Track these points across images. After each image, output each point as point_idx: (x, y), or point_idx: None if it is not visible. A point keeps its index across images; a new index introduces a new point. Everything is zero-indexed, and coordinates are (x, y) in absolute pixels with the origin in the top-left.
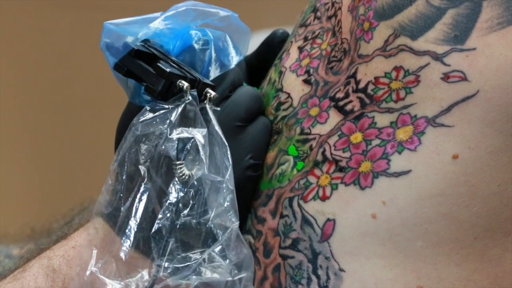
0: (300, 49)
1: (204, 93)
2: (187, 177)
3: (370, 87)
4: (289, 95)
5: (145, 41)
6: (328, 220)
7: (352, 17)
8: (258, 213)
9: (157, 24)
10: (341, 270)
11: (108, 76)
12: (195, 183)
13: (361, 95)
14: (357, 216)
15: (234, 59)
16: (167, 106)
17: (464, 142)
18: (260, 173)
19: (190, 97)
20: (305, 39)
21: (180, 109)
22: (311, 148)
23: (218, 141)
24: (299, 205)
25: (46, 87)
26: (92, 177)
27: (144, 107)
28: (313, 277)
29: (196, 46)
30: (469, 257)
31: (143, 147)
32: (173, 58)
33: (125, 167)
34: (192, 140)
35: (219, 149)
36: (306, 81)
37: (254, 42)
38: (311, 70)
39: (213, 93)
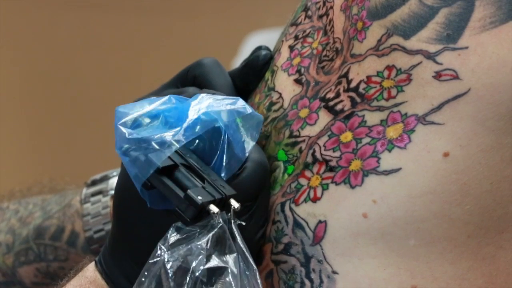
0: (291, 48)
1: (227, 203)
2: None
3: (362, 86)
4: (280, 95)
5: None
6: (320, 222)
7: (345, 17)
8: None
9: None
10: (334, 272)
11: (107, 74)
12: None
13: (352, 94)
14: (348, 216)
15: (248, 146)
16: (195, 229)
17: (455, 140)
18: None
19: (221, 221)
20: (296, 38)
21: (211, 235)
22: (300, 151)
23: (245, 262)
24: (290, 209)
25: (46, 86)
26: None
27: (170, 226)
28: (306, 281)
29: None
30: (463, 256)
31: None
32: (191, 161)
33: None
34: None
35: (249, 272)
36: (297, 81)
37: (254, 42)
38: (302, 70)
39: (236, 205)
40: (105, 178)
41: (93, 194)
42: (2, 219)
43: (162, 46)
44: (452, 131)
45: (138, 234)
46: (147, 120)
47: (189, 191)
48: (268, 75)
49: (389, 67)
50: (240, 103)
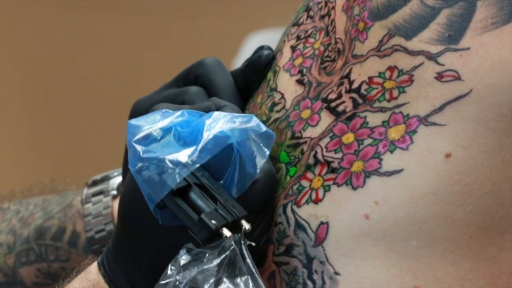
0: (293, 48)
1: (238, 222)
2: None
3: (364, 87)
4: (282, 96)
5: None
6: (322, 223)
7: (346, 17)
8: None
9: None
10: (336, 273)
11: (107, 74)
12: None
13: (354, 95)
14: (350, 217)
15: (259, 163)
16: (206, 250)
17: (456, 140)
18: None
19: (233, 243)
20: (298, 38)
21: (223, 258)
22: (302, 152)
23: (255, 283)
24: (292, 210)
25: (46, 86)
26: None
27: (181, 247)
28: (309, 282)
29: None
30: (465, 256)
31: None
32: (203, 180)
33: None
34: None
35: None
36: (299, 82)
37: (254, 42)
38: (304, 70)
39: (248, 226)
40: (106, 178)
41: (94, 195)
42: (3, 220)
43: (162, 46)
44: (454, 132)
45: (144, 240)
46: (159, 133)
47: (203, 215)
48: (270, 75)
49: (391, 68)
50: (253, 121)
